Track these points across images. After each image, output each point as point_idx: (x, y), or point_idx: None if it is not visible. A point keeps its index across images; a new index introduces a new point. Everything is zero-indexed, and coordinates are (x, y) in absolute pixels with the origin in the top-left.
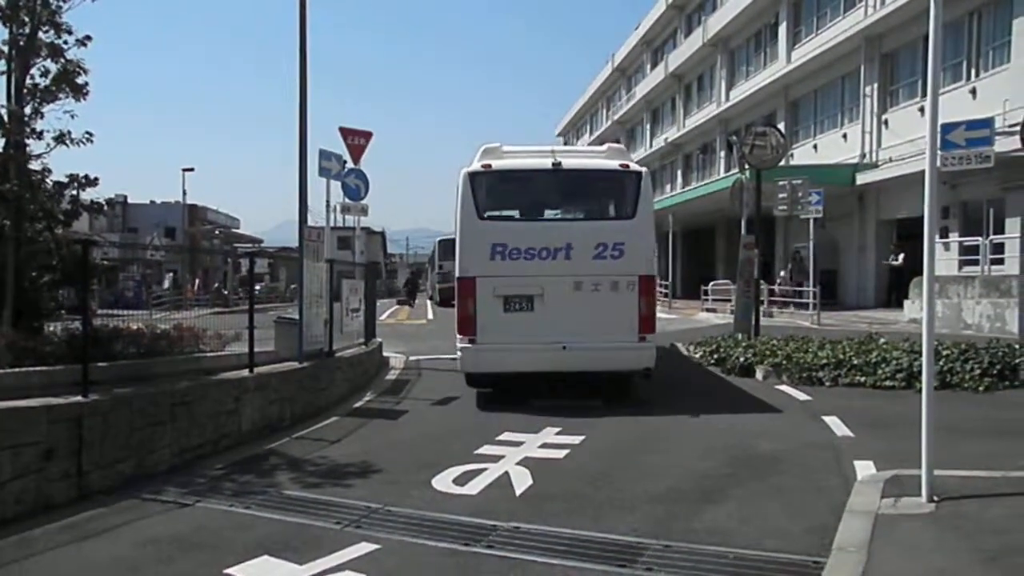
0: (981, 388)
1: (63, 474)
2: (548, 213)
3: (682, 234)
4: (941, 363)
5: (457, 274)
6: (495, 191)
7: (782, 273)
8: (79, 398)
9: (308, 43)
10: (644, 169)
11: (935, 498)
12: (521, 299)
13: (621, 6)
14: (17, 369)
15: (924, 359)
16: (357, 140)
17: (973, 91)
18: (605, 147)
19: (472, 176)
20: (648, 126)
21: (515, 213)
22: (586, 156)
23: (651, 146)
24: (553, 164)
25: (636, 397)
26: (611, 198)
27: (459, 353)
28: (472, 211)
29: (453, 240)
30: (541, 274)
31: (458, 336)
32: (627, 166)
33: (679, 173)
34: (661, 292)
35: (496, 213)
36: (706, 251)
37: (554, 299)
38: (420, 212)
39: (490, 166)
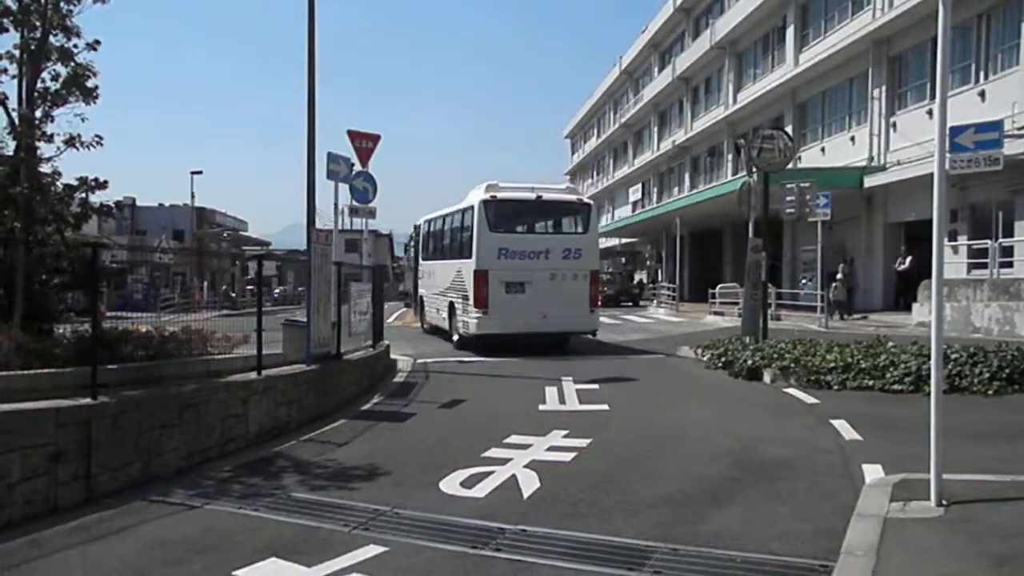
0: (990, 392)
1: (72, 476)
2: (533, 228)
3: (690, 237)
4: (950, 367)
5: (475, 268)
6: (499, 213)
7: (839, 276)
8: (88, 400)
9: (317, 47)
10: (592, 202)
11: (944, 502)
12: (517, 284)
13: (629, 9)
14: (26, 371)
15: (933, 362)
16: (365, 143)
17: (982, 94)
18: (564, 186)
19: (485, 203)
20: (655, 129)
21: (514, 227)
22: (554, 192)
23: (658, 149)
24: (536, 196)
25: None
26: (572, 220)
27: (475, 320)
28: (485, 226)
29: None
30: (529, 268)
31: (475, 309)
32: (582, 199)
33: (686, 176)
34: (668, 295)
35: (500, 227)
36: (713, 254)
37: (538, 285)
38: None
39: (495, 196)
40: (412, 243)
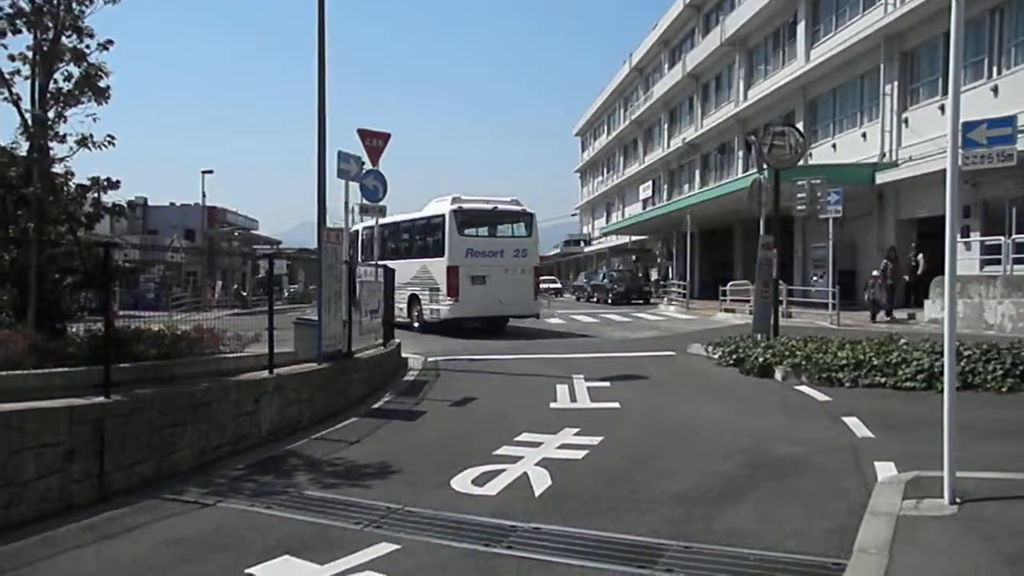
0: (1004, 389)
1: (85, 474)
2: (491, 232)
3: (700, 234)
4: (963, 364)
5: (447, 264)
6: (465, 220)
7: (875, 273)
8: (101, 399)
9: (327, 46)
10: (534, 212)
11: (957, 500)
12: (480, 277)
13: (639, 6)
14: (40, 370)
15: (946, 359)
16: (375, 142)
17: (995, 89)
18: (511, 199)
19: (454, 211)
20: (666, 126)
21: (476, 231)
22: (505, 203)
23: (669, 146)
24: (492, 207)
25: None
26: (519, 226)
27: (447, 306)
28: (455, 230)
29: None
30: (489, 264)
31: (447, 298)
32: (526, 210)
33: (697, 173)
34: (679, 293)
35: (467, 231)
36: (724, 251)
37: (495, 277)
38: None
39: (462, 207)
40: (351, 248)
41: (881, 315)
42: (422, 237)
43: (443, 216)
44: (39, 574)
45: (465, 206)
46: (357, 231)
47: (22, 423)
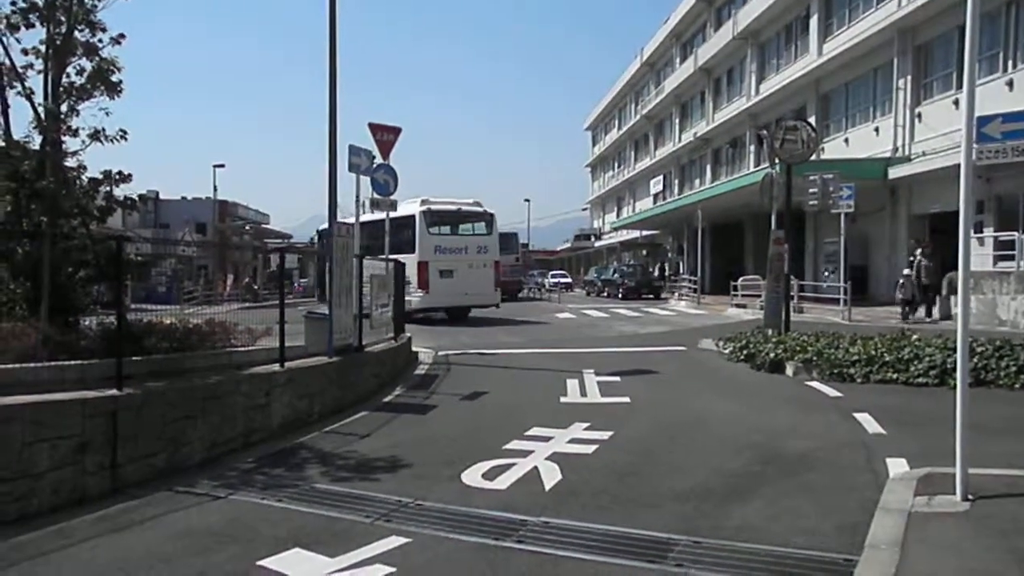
0: (1017, 385)
1: (98, 466)
2: (456, 231)
3: (711, 229)
4: (975, 360)
5: (419, 259)
6: (434, 220)
7: (906, 271)
8: (113, 392)
9: (338, 40)
10: (494, 212)
11: (970, 496)
12: (447, 271)
13: (651, 0)
14: (53, 363)
15: (959, 356)
16: (386, 136)
17: (1010, 83)
18: (473, 201)
19: (423, 212)
20: (677, 120)
21: (443, 230)
22: (468, 205)
23: (680, 140)
24: (457, 208)
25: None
26: (481, 225)
27: (418, 297)
28: (425, 228)
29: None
30: (455, 259)
31: (419, 290)
32: (487, 211)
33: (708, 168)
34: (690, 288)
35: (435, 229)
36: (735, 246)
37: (461, 272)
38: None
39: (431, 208)
40: (317, 244)
41: (920, 312)
42: (395, 235)
43: (413, 216)
44: (53, 565)
45: (433, 207)
46: (323, 230)
47: (36, 415)
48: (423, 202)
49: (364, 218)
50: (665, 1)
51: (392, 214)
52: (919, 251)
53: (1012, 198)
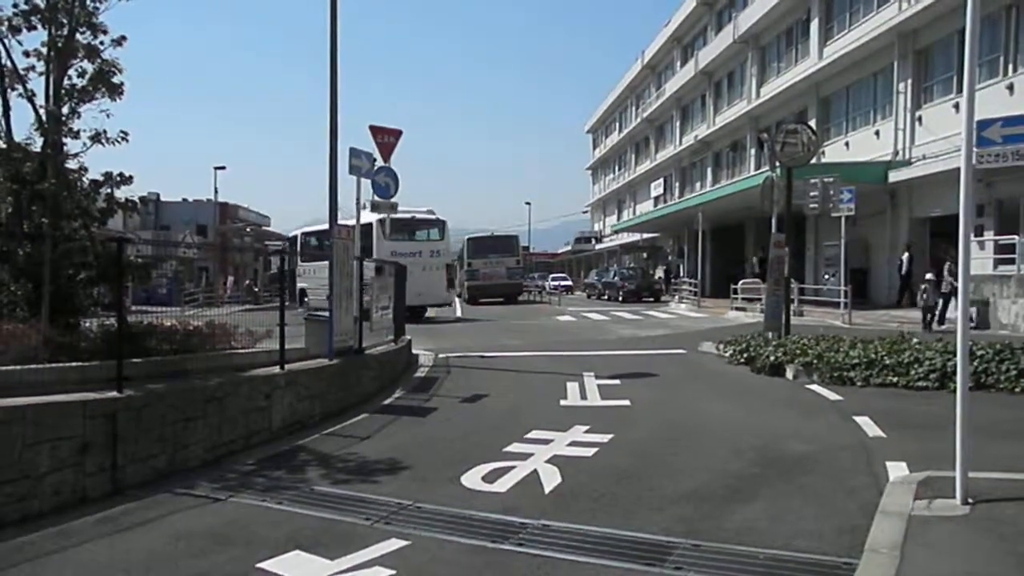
0: (1017, 389)
1: (98, 468)
2: (411, 237)
3: (711, 232)
4: (976, 364)
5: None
6: (390, 227)
7: (928, 276)
8: (114, 393)
9: (339, 44)
10: (446, 219)
11: (970, 500)
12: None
13: (652, 3)
14: (53, 364)
15: (959, 359)
16: (387, 138)
17: (1010, 87)
18: (427, 209)
19: (381, 220)
20: (678, 123)
21: (399, 236)
22: (422, 213)
23: (681, 143)
24: (411, 216)
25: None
26: (434, 231)
27: None
28: (382, 235)
29: (485, 238)
30: (409, 263)
31: None
32: (439, 218)
33: (709, 171)
34: (690, 291)
35: (391, 236)
36: (736, 249)
37: (415, 274)
38: (449, 210)
39: (386, 218)
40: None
41: (942, 321)
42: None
43: (371, 224)
44: (54, 566)
45: (390, 216)
46: (295, 237)
47: (37, 417)
48: (381, 210)
49: (324, 228)
50: (666, 4)
51: (351, 223)
52: (906, 255)
53: (1012, 202)
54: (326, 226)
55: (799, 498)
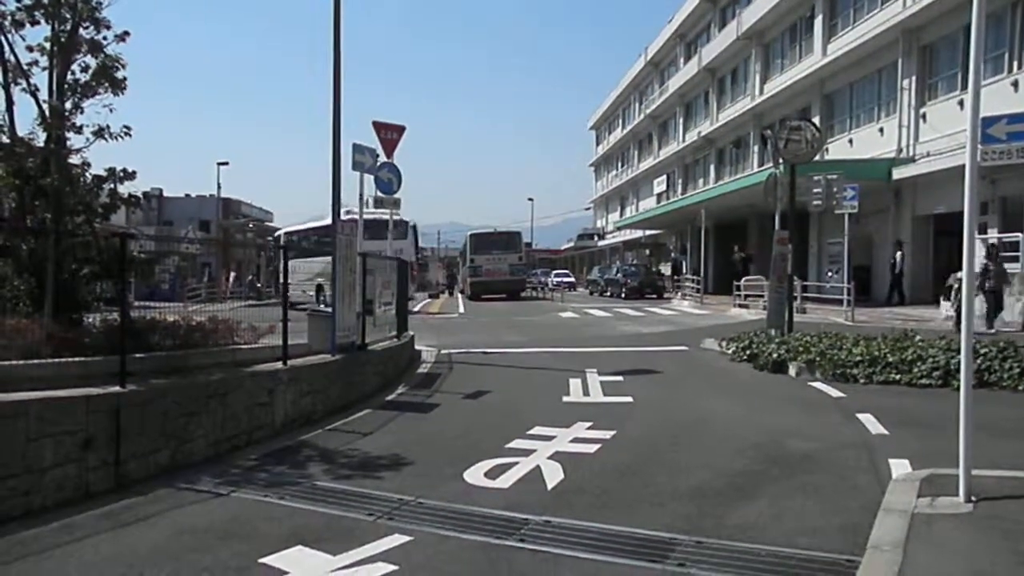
0: (1020, 387)
1: (101, 463)
2: (378, 236)
3: (714, 229)
4: (979, 361)
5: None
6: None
7: (958, 275)
8: (117, 388)
9: (342, 39)
10: (411, 220)
11: (973, 498)
12: (369, 271)
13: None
14: (56, 359)
15: (963, 357)
16: (390, 134)
17: (1015, 84)
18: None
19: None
20: (681, 120)
21: (369, 237)
22: (393, 216)
23: (684, 140)
24: (375, 218)
25: None
26: (402, 231)
27: None
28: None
29: (487, 234)
30: (375, 262)
31: None
32: (404, 219)
33: (712, 167)
34: (693, 287)
35: (363, 236)
36: (739, 246)
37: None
38: (452, 206)
39: (359, 218)
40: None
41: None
42: (329, 244)
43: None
44: (57, 561)
45: (366, 217)
46: (279, 235)
47: (40, 412)
48: (347, 212)
49: (309, 225)
50: (670, 1)
51: (323, 223)
52: (899, 253)
53: (1016, 199)
54: (306, 226)
55: (801, 495)
